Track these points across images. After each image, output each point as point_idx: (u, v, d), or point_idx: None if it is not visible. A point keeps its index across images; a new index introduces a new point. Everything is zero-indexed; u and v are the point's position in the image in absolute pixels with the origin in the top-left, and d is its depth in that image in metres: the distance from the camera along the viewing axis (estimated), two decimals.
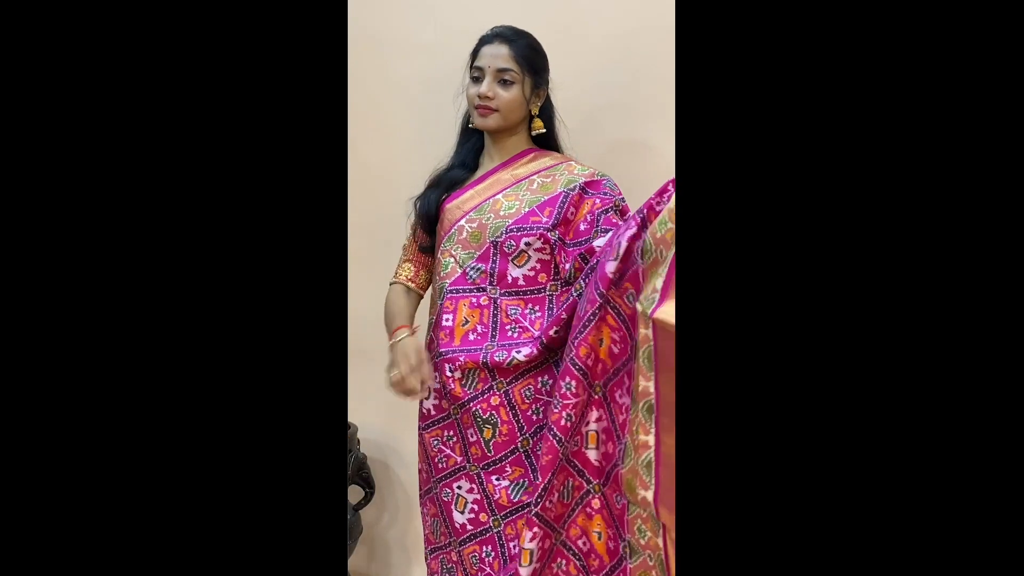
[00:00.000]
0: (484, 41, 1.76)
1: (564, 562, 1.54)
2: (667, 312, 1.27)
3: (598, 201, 1.69)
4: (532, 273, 1.65)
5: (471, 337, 1.68)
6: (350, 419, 2.20)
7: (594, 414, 1.51)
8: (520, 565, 1.54)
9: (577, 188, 1.69)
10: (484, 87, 1.70)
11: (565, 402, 1.49)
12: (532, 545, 1.53)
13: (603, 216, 1.67)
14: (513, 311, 1.66)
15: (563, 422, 1.49)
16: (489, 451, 1.65)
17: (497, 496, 1.62)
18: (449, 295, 1.70)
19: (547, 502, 1.52)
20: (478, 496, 1.65)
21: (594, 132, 2.14)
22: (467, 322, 1.68)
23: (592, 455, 1.51)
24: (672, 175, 1.36)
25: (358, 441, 2.29)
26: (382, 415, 2.18)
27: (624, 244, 1.41)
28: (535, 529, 1.52)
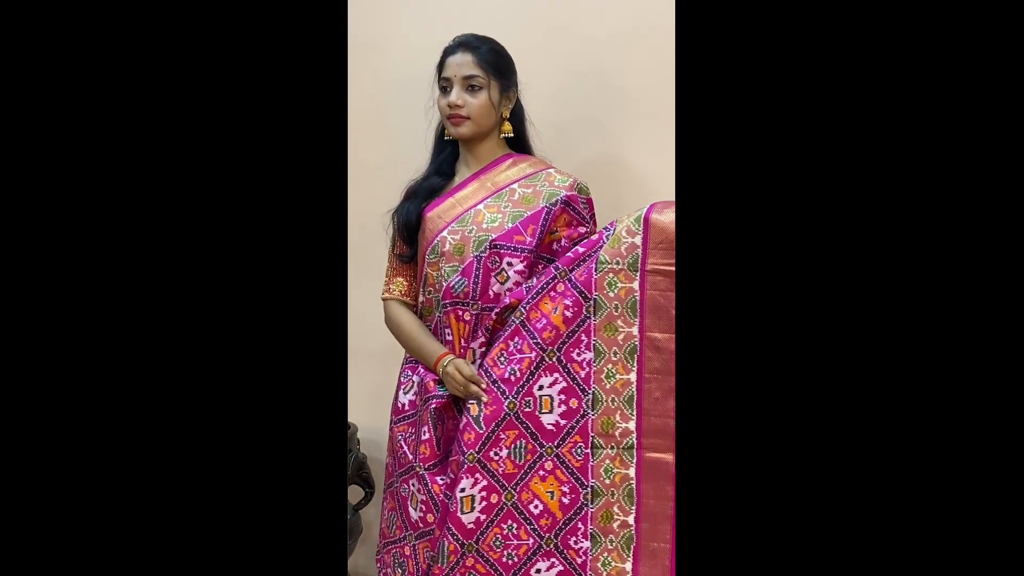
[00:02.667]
0: (448, 52, 1.77)
1: (515, 525, 1.58)
2: (664, 215, 1.58)
3: (577, 226, 1.73)
4: (514, 287, 1.67)
5: (461, 349, 1.71)
6: (350, 419, 2.20)
7: (547, 379, 1.60)
8: (460, 512, 1.57)
9: (559, 203, 1.71)
10: (453, 96, 1.72)
11: (512, 358, 1.60)
12: (474, 491, 1.57)
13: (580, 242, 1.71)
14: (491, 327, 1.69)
15: (507, 376, 1.60)
16: (439, 449, 1.68)
17: (441, 497, 1.64)
18: (445, 309, 1.72)
19: (491, 452, 1.58)
20: (424, 497, 1.68)
21: (580, 142, 2.15)
22: (459, 335, 1.71)
23: (547, 419, 1.60)
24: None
25: (358, 441, 2.29)
26: (382, 415, 2.18)
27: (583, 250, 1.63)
28: (476, 476, 1.58)
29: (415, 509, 1.68)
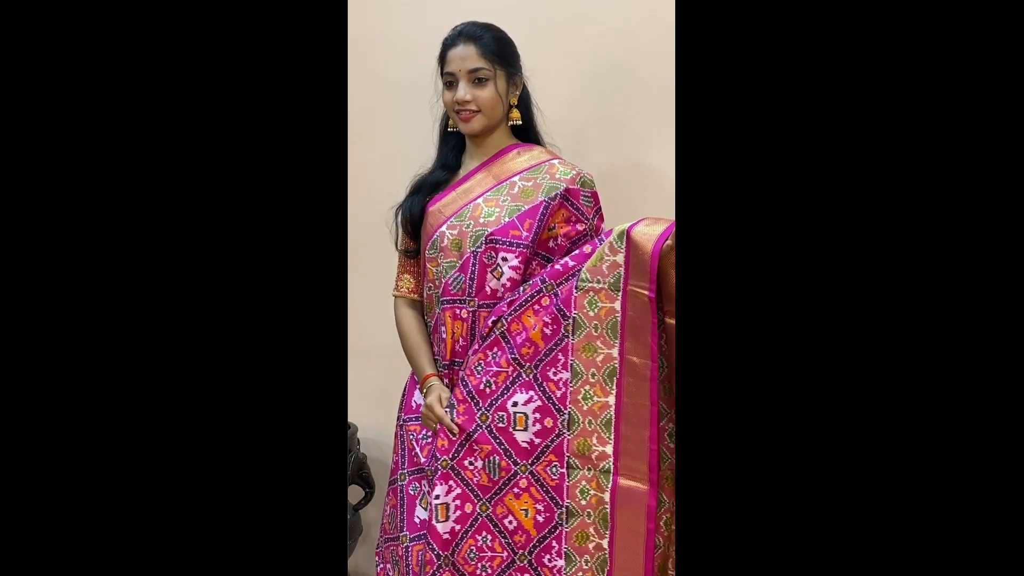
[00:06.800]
0: (449, 44, 1.73)
1: (489, 537, 1.58)
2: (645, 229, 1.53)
3: (575, 223, 1.69)
4: (509, 284, 1.65)
5: (456, 349, 1.70)
6: (350, 419, 2.20)
7: (522, 396, 1.58)
8: (436, 520, 1.58)
9: (558, 197, 1.68)
10: (460, 92, 1.68)
11: (488, 369, 1.60)
12: (448, 499, 1.58)
13: (581, 241, 1.69)
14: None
15: (482, 387, 1.60)
16: None
17: None
18: (443, 306, 1.70)
19: (466, 461, 1.59)
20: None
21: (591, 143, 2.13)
22: (454, 334, 1.70)
23: (521, 436, 1.58)
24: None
25: (358, 441, 2.29)
26: (382, 415, 2.18)
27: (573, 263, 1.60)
28: (450, 483, 1.59)
29: (425, 508, 1.67)
